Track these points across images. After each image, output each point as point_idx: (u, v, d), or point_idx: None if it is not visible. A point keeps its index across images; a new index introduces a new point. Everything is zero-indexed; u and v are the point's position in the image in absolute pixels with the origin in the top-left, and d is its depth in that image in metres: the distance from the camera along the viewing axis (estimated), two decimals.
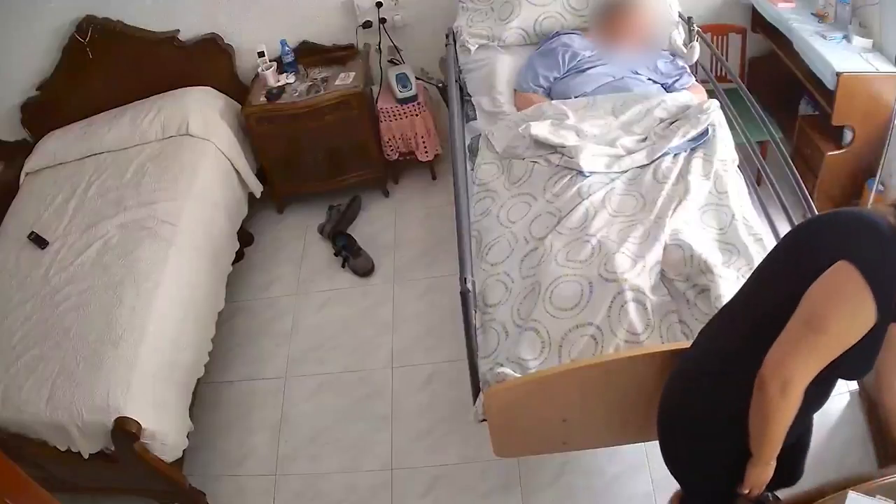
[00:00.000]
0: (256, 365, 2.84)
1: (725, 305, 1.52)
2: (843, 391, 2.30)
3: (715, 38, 3.22)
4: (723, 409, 1.36)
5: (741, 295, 1.45)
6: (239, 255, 3.16)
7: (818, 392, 1.35)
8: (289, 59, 3.30)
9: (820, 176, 2.76)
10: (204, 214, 2.84)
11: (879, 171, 2.58)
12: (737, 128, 2.39)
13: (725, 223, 1.98)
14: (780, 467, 1.40)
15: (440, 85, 3.38)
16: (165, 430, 2.14)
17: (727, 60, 3.12)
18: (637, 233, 1.92)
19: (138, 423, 2.04)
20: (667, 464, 1.56)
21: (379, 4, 3.26)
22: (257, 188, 3.32)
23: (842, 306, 1.16)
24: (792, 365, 1.18)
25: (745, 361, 1.28)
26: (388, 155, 3.42)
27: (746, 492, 1.39)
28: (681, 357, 1.54)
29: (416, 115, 3.29)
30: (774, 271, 1.38)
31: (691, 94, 2.51)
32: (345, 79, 3.23)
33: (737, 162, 2.23)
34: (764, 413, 1.23)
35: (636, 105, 2.37)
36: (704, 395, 1.42)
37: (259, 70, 3.25)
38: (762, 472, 1.35)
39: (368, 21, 3.31)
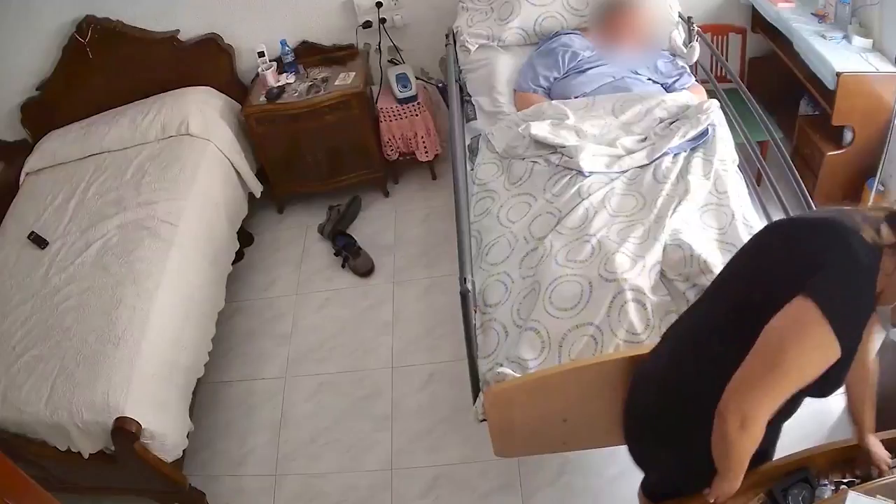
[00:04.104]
0: (256, 365, 2.84)
1: (693, 305, 1.54)
2: (843, 391, 2.29)
3: (715, 38, 3.22)
4: (689, 406, 1.36)
5: (707, 294, 1.47)
6: (239, 255, 3.16)
7: (786, 410, 1.35)
8: (289, 59, 3.30)
9: (820, 176, 2.76)
10: (204, 214, 2.84)
11: (879, 171, 2.58)
12: (737, 128, 2.39)
13: (725, 223, 1.98)
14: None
15: (440, 85, 3.38)
16: (165, 430, 2.14)
17: (727, 60, 3.12)
18: (637, 233, 1.92)
19: (138, 423, 2.04)
20: (634, 457, 1.60)
21: (379, 4, 3.26)
22: (257, 188, 3.32)
23: (800, 346, 1.13)
24: (751, 401, 1.16)
25: (704, 365, 1.32)
26: (388, 155, 3.42)
27: (712, 501, 1.39)
28: (652, 353, 1.55)
29: (416, 115, 3.29)
30: (740, 273, 1.37)
31: (691, 94, 2.51)
32: (345, 79, 3.24)
33: (737, 162, 2.23)
34: (725, 444, 1.22)
35: (636, 105, 2.37)
36: (670, 392, 1.42)
37: (259, 70, 3.25)
38: (729, 486, 1.35)
39: (368, 21, 3.32)
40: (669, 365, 1.45)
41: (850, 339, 1.13)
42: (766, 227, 1.41)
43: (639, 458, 1.59)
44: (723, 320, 1.33)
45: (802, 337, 1.12)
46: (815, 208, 1.88)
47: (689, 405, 1.36)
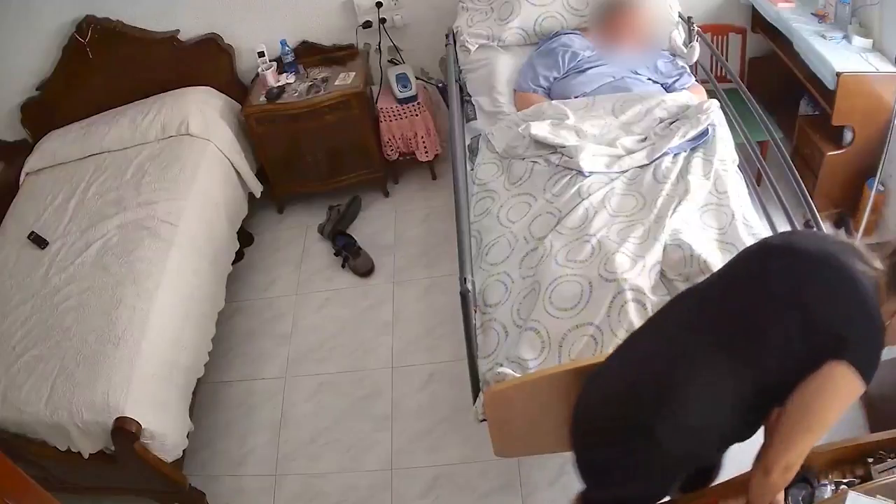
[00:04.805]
0: (256, 365, 2.84)
1: (665, 315, 1.49)
2: None
3: (715, 38, 3.22)
4: (660, 420, 1.34)
5: (699, 299, 1.44)
6: (239, 255, 3.16)
7: (746, 425, 1.39)
8: (289, 59, 3.30)
9: (820, 176, 2.76)
10: (204, 214, 2.83)
11: (879, 171, 2.58)
12: (737, 128, 2.39)
13: (725, 223, 1.98)
14: (696, 478, 1.59)
15: (440, 85, 3.38)
16: (165, 430, 2.14)
17: (727, 60, 3.12)
18: (637, 233, 1.92)
19: (138, 423, 2.04)
20: (585, 473, 1.53)
21: (379, 4, 3.26)
22: (257, 188, 3.32)
23: (841, 406, 1.25)
24: (796, 455, 1.27)
25: (696, 371, 1.33)
26: (388, 155, 3.42)
27: None
28: (609, 364, 1.50)
29: (416, 115, 3.29)
30: (748, 289, 1.35)
31: (691, 94, 2.51)
32: (345, 79, 3.24)
33: (737, 162, 2.23)
34: (768, 491, 1.32)
35: (636, 105, 2.37)
36: (644, 404, 1.37)
37: (259, 70, 3.25)
38: None
39: (368, 21, 3.32)
40: (660, 362, 1.40)
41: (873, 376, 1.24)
42: (770, 252, 1.38)
43: (616, 465, 1.45)
44: (725, 341, 1.32)
45: (844, 399, 1.24)
46: (815, 208, 1.87)
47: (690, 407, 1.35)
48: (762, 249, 1.41)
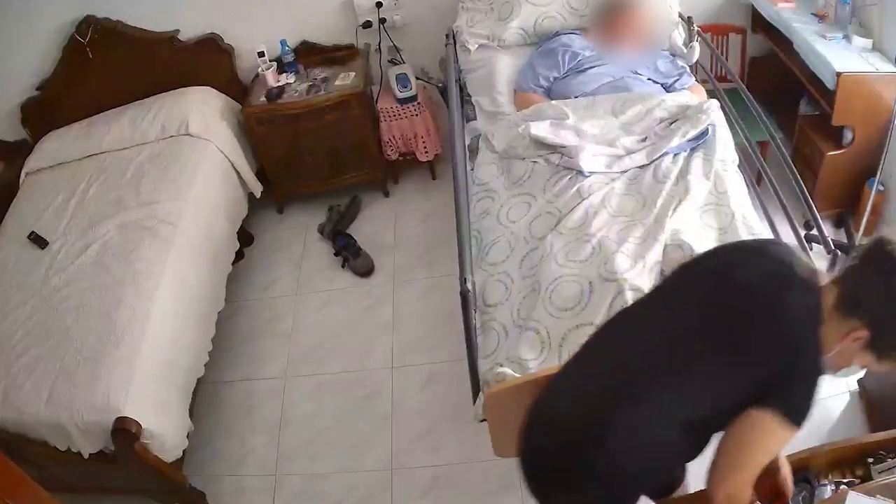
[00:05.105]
0: (256, 365, 2.84)
1: (620, 320, 1.47)
2: (843, 391, 2.30)
3: (715, 38, 3.22)
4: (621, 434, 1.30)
5: (654, 312, 1.40)
6: (239, 255, 3.16)
7: (695, 445, 1.35)
8: (289, 59, 3.30)
9: (820, 176, 2.76)
10: (204, 214, 2.84)
11: (879, 171, 2.58)
12: (737, 128, 2.39)
13: (725, 223, 1.98)
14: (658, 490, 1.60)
15: (440, 85, 3.38)
16: (165, 431, 2.14)
17: (727, 60, 3.12)
18: (637, 233, 1.92)
19: (138, 423, 2.04)
20: (539, 481, 1.46)
21: (379, 4, 3.26)
22: (257, 188, 3.32)
23: (774, 452, 1.27)
24: (732, 486, 1.25)
25: (656, 383, 1.29)
26: (388, 155, 3.42)
27: None
28: (567, 372, 1.46)
29: (416, 115, 3.30)
30: (698, 309, 1.32)
31: (691, 94, 2.50)
32: (345, 79, 3.24)
33: (737, 162, 2.23)
34: None
35: (636, 105, 2.37)
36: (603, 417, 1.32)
37: (259, 70, 3.25)
38: None
39: (368, 21, 3.32)
40: (646, 356, 1.34)
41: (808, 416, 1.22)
42: (726, 277, 1.33)
43: (579, 474, 1.37)
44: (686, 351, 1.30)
45: (772, 446, 1.25)
46: (815, 208, 1.87)
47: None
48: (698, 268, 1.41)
